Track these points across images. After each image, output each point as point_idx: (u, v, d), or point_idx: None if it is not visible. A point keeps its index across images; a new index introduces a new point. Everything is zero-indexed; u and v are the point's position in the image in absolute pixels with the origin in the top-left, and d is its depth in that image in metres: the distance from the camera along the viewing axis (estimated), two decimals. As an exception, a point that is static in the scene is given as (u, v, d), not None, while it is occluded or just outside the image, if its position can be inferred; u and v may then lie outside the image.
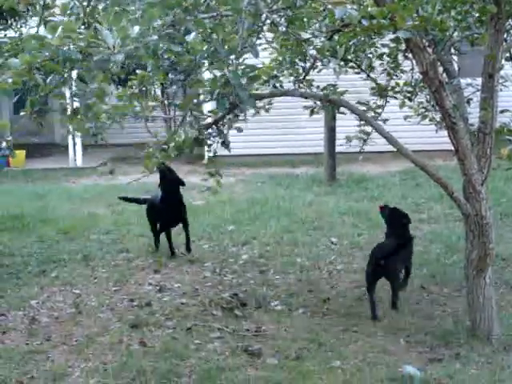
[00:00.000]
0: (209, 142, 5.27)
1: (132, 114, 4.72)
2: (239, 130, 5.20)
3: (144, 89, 4.67)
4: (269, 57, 6.47)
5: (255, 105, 4.69)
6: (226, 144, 5.16)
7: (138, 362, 5.33)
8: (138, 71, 4.57)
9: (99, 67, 3.81)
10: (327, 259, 8.06)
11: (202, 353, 5.56)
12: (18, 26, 10.54)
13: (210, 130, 5.17)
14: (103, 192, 12.79)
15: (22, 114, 4.32)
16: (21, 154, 15.94)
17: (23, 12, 9.25)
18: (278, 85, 5.91)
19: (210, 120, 5.21)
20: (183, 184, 8.37)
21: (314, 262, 7.95)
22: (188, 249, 8.39)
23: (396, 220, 6.65)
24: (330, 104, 6.14)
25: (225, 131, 5.21)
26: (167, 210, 8.35)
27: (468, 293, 5.72)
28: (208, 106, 7.32)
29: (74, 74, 4.10)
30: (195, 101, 4.73)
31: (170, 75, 4.99)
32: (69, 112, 4.58)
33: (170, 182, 8.27)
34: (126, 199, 9.54)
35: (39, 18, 4.67)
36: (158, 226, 8.57)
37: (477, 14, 5.55)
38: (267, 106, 6.14)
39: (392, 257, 6.28)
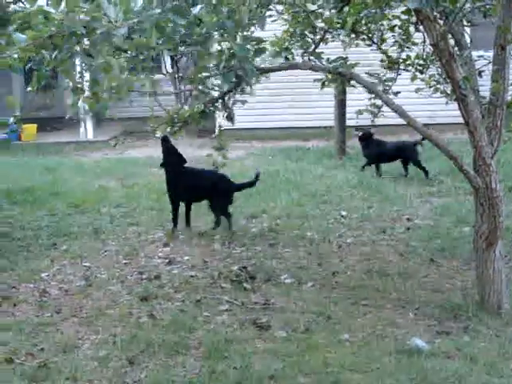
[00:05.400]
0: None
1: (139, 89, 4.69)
2: (243, 102, 5.18)
3: (142, 57, 4.59)
4: (280, 29, 6.43)
5: (259, 77, 4.67)
6: (230, 117, 5.16)
7: (146, 334, 5.36)
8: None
9: (103, 41, 3.77)
10: (337, 232, 8.05)
11: (211, 325, 5.58)
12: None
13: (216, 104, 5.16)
14: (114, 166, 12.81)
15: (28, 89, 4.30)
16: (32, 127, 15.95)
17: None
18: (289, 57, 5.87)
19: (216, 94, 5.19)
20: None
21: (323, 235, 7.95)
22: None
23: None
24: (340, 77, 6.09)
25: (230, 105, 5.19)
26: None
27: (477, 266, 5.70)
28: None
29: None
30: (204, 74, 4.71)
31: (180, 48, 4.94)
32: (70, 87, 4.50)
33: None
34: None
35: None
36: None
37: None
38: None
39: None
